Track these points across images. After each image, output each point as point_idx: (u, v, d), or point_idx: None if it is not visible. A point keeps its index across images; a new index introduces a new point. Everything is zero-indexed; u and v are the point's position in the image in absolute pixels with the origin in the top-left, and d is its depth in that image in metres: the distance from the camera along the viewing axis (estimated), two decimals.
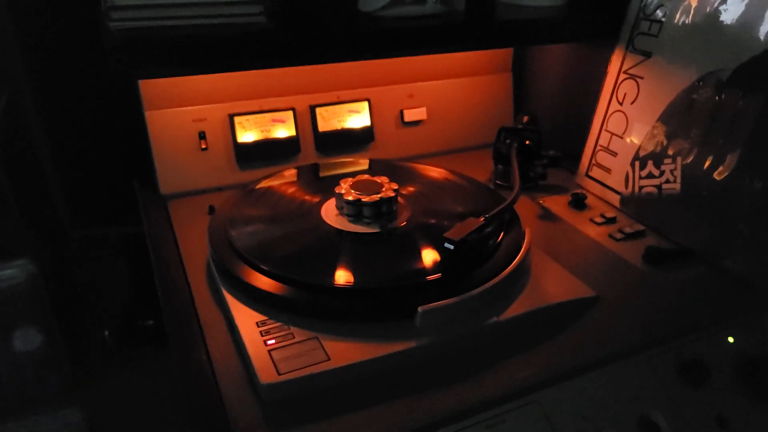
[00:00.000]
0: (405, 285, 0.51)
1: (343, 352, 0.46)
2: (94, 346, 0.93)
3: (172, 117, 0.72)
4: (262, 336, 0.47)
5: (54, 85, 0.77)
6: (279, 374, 0.43)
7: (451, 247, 0.52)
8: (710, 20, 0.60)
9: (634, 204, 0.69)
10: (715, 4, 0.60)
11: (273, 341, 0.46)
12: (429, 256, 0.55)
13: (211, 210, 0.68)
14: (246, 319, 0.49)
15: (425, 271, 0.53)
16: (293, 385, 0.43)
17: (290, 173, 0.72)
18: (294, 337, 0.47)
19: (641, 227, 0.66)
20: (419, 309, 0.48)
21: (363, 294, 0.51)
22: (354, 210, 0.59)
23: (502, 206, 0.59)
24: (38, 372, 0.87)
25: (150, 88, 0.71)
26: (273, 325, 0.48)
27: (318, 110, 0.78)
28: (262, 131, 0.76)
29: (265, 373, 0.43)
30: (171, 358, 0.50)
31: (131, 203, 0.76)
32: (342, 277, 0.52)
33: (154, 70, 0.58)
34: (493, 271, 0.53)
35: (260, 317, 0.49)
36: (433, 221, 0.61)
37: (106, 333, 0.92)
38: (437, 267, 0.53)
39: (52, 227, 0.87)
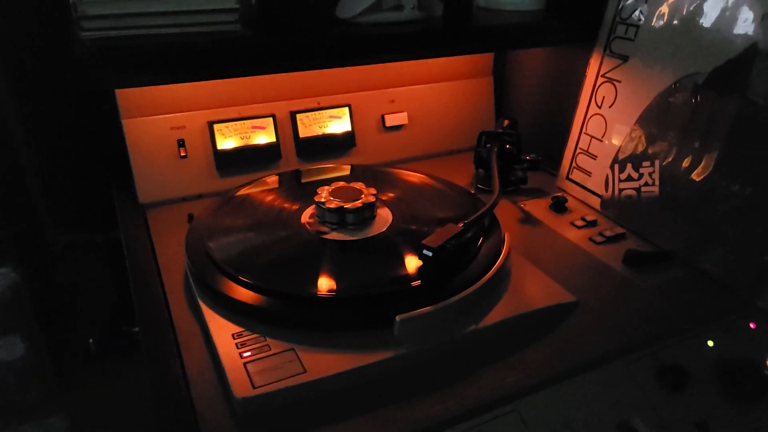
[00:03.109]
0: (383, 293, 0.51)
1: (320, 363, 0.45)
2: (77, 354, 0.92)
3: (150, 125, 0.72)
4: (238, 348, 0.46)
5: (33, 94, 0.76)
6: (254, 387, 0.43)
7: (430, 254, 0.52)
8: (686, 24, 0.60)
9: (614, 207, 0.69)
10: (690, 9, 0.60)
11: (249, 353, 0.46)
12: (408, 264, 0.55)
13: (191, 218, 0.68)
14: (222, 330, 0.49)
15: (403, 279, 0.53)
16: (269, 399, 0.42)
17: (270, 180, 0.71)
18: (270, 349, 0.46)
19: (621, 230, 0.66)
20: (397, 318, 0.47)
21: (340, 303, 0.50)
22: (332, 217, 0.59)
23: (480, 212, 0.59)
24: (21, 381, 0.86)
25: (127, 96, 0.70)
26: (249, 336, 0.48)
27: (298, 116, 0.78)
28: (242, 138, 0.75)
29: (240, 387, 0.43)
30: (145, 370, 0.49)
31: (113, 209, 0.75)
32: (319, 286, 0.52)
33: (126, 79, 0.57)
34: (472, 278, 0.52)
35: (236, 329, 0.49)
36: (413, 227, 0.61)
37: (90, 340, 0.91)
38: (416, 275, 0.53)
39: (34, 235, 0.86)
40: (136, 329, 0.94)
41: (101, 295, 0.93)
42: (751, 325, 0.55)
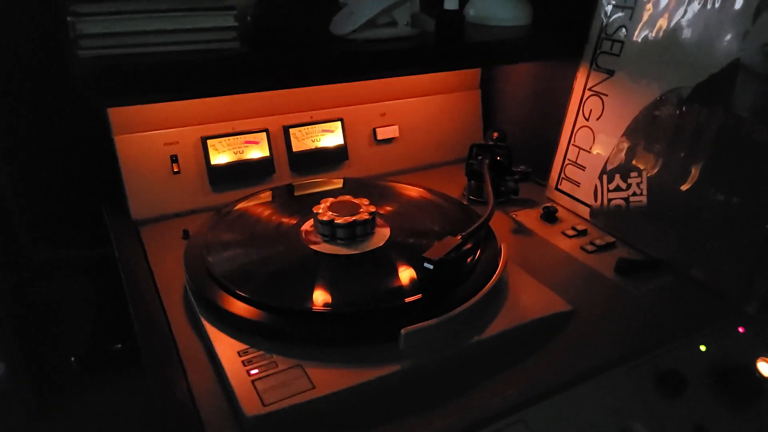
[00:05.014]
0: (387, 307, 0.51)
1: (328, 379, 0.45)
2: (59, 373, 0.90)
3: (142, 141, 0.71)
4: (245, 366, 0.46)
5: (20, 107, 0.75)
6: (264, 405, 0.43)
7: (431, 267, 0.53)
8: (670, 40, 0.63)
9: (603, 216, 0.71)
10: (674, 25, 0.62)
11: (256, 371, 0.46)
12: (409, 277, 0.55)
13: (186, 234, 0.67)
14: (227, 348, 0.48)
15: (406, 293, 0.53)
16: (279, 416, 0.43)
17: (266, 195, 0.71)
18: (277, 366, 0.46)
19: (612, 239, 0.68)
20: (402, 331, 0.48)
21: (345, 318, 0.51)
22: (332, 231, 0.59)
23: (478, 223, 0.60)
24: (1, 403, 0.84)
25: (119, 112, 0.70)
26: (255, 353, 0.48)
27: (291, 131, 0.78)
28: (235, 153, 0.75)
29: (250, 405, 0.43)
30: (150, 390, 0.49)
31: (97, 225, 0.74)
32: (323, 301, 0.52)
33: (126, 98, 0.57)
34: (473, 289, 0.53)
35: (241, 346, 0.49)
36: (411, 240, 0.62)
37: (72, 359, 0.90)
38: (418, 287, 0.53)
39: (13, 251, 0.84)
40: (119, 346, 0.93)
41: (83, 313, 0.91)
42: (740, 330, 0.57)
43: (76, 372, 0.90)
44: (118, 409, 0.90)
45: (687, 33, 0.61)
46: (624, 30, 0.67)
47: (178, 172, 0.73)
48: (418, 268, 0.54)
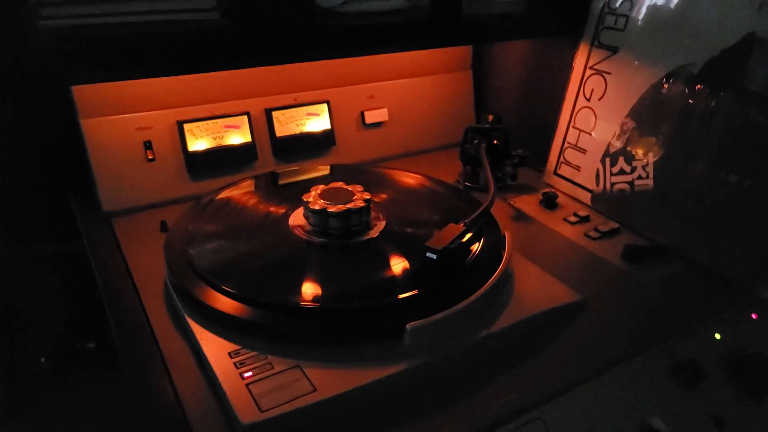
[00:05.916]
0: (389, 302, 0.47)
1: (330, 380, 0.41)
2: (28, 374, 0.85)
3: (112, 125, 0.66)
4: (237, 368, 0.42)
5: None
6: (261, 411, 0.38)
7: (434, 257, 0.49)
8: (679, 13, 0.60)
9: (605, 201, 0.68)
10: None
11: (250, 373, 0.42)
12: (411, 269, 0.52)
13: (164, 227, 0.62)
14: (216, 349, 0.44)
15: (409, 285, 0.49)
16: (278, 423, 0.38)
17: (250, 183, 0.66)
18: (273, 367, 0.42)
19: (615, 225, 0.65)
20: (408, 326, 0.44)
21: (345, 314, 0.46)
22: (325, 221, 0.55)
23: (480, 209, 0.57)
24: None
25: (86, 93, 0.64)
26: (248, 354, 0.43)
27: (274, 114, 0.73)
28: (214, 138, 0.70)
29: (246, 412, 0.38)
30: (130, 395, 0.44)
31: (65, 218, 0.68)
32: (321, 296, 0.48)
33: (91, 74, 0.51)
34: (479, 280, 0.50)
35: (232, 346, 0.44)
36: (410, 230, 0.58)
37: (42, 359, 0.85)
38: (422, 280, 0.50)
39: None
40: (92, 345, 0.89)
41: (53, 311, 0.86)
42: (753, 316, 0.54)
43: (47, 372, 0.86)
44: (91, 412, 0.86)
45: (698, 5, 0.58)
46: (629, 3, 0.64)
47: (152, 160, 0.68)
48: (419, 259, 0.50)
